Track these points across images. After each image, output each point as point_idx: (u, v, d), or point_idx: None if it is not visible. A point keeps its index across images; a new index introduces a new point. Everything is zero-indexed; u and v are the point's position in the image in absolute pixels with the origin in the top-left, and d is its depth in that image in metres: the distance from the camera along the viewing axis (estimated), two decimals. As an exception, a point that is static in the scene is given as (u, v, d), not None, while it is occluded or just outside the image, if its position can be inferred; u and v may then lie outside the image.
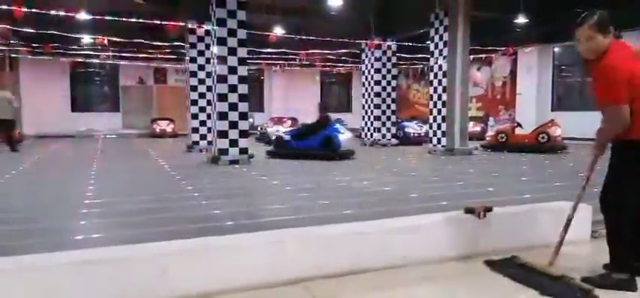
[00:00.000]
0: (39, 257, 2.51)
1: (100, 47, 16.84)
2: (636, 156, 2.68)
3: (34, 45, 16.02)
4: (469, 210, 3.30)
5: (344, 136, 10.83)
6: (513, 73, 18.78)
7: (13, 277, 2.28)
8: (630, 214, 2.72)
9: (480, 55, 18.59)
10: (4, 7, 10.14)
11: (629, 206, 2.72)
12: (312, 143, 10.64)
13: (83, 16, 11.89)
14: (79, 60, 19.49)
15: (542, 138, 11.98)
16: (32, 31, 13.33)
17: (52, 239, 3.89)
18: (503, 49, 17.90)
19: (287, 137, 11.23)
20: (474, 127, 15.98)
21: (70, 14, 11.18)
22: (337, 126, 11.17)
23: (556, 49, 17.17)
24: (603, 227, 3.10)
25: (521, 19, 13.52)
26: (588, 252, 3.38)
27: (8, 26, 13.36)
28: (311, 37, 14.54)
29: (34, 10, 10.31)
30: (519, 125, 13.54)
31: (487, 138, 13.57)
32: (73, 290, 2.34)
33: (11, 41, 15.84)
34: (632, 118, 2.62)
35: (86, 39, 15.91)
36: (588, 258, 3.14)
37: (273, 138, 11.76)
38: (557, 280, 2.71)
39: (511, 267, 2.95)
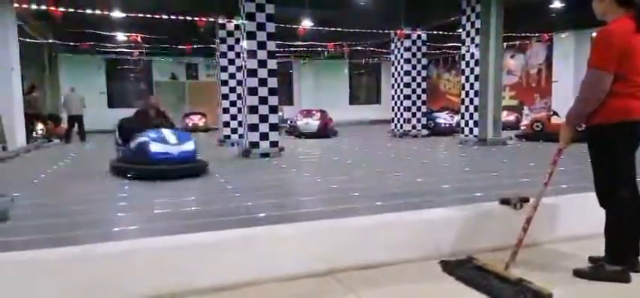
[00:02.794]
0: (83, 248, 2.63)
1: (133, 44, 17.27)
2: (610, 140, 2.59)
3: (71, 43, 16.57)
4: (505, 201, 3.25)
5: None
6: (549, 60, 18.19)
7: (59, 267, 2.40)
8: (628, 204, 2.60)
9: (514, 42, 18.08)
10: (44, 7, 10.55)
11: (626, 196, 2.60)
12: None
13: (118, 14, 12.23)
14: (115, 57, 20.06)
15: (580, 126, 11.56)
16: (70, 29, 13.83)
17: (93, 231, 4.06)
18: (538, 35, 17.33)
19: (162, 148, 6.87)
20: (507, 116, 15.58)
21: (105, 13, 11.51)
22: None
23: (594, 35, 16.50)
24: None
25: (556, 4, 13.06)
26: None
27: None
28: (339, 29, 14.47)
29: (71, 10, 10.68)
30: (556, 113, 13.12)
31: (522, 128, 13.21)
32: (113, 280, 2.43)
33: (50, 40, 16.47)
34: (606, 101, 2.51)
35: (121, 36, 16.35)
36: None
37: (134, 146, 7.02)
38: (511, 284, 2.51)
39: (465, 269, 2.78)
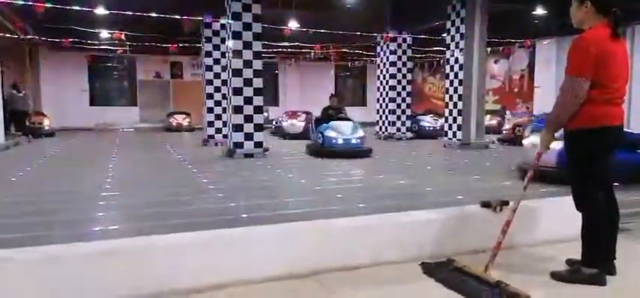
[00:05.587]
0: (61, 247, 2.58)
1: (117, 42, 17.01)
2: (587, 145, 2.64)
3: (53, 39, 16.27)
4: (485, 204, 3.29)
5: None
6: (531, 66, 18.48)
7: (38, 267, 2.35)
8: (604, 207, 2.67)
9: (498, 48, 18.32)
10: (26, 2, 10.33)
11: (601, 199, 2.66)
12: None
13: (101, 10, 12.03)
14: (98, 54, 19.75)
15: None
16: (52, 25, 13.58)
17: (72, 231, 3.99)
18: (521, 41, 17.60)
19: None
20: (490, 120, 15.77)
21: (88, 9, 11.32)
22: None
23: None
24: None
25: (539, 11, 13.27)
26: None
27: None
28: (326, 31, 14.48)
29: (54, 5, 10.47)
30: (537, 118, 13.34)
31: (504, 132, 13.40)
32: (92, 280, 2.39)
33: (30, 36, 16.15)
34: (584, 107, 2.56)
35: (104, 34, 16.10)
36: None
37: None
38: (490, 286, 2.54)
39: (445, 271, 2.80)
